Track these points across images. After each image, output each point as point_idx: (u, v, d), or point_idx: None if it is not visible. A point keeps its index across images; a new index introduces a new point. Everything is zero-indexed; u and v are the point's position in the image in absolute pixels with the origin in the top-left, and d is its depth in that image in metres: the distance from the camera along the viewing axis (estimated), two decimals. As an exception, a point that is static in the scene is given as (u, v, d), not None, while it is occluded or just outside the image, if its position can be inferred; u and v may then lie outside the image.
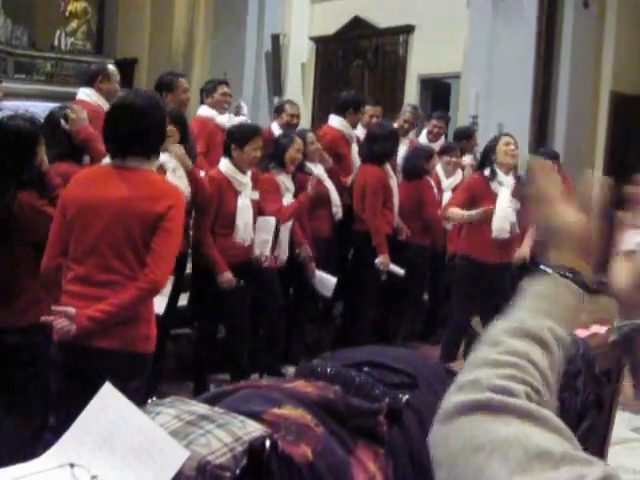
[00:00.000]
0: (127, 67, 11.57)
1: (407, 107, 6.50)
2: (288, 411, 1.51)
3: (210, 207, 4.17)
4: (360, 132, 5.65)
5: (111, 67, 4.52)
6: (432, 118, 6.55)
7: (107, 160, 2.70)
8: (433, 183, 5.46)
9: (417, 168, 5.34)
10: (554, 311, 0.81)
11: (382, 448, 1.57)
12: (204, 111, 5.18)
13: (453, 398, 0.74)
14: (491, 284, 4.62)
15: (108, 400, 1.44)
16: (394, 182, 5.13)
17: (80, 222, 2.58)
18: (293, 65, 11.04)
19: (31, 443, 2.87)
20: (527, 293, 0.84)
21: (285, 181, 4.63)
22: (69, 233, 2.60)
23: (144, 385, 2.62)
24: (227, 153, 4.25)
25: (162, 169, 3.82)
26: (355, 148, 5.48)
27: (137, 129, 2.56)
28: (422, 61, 9.76)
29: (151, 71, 11.43)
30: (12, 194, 2.74)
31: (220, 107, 5.13)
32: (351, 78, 10.45)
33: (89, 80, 4.33)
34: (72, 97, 8.92)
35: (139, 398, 2.50)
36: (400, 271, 5.07)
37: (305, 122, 10.63)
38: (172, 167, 3.98)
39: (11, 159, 2.77)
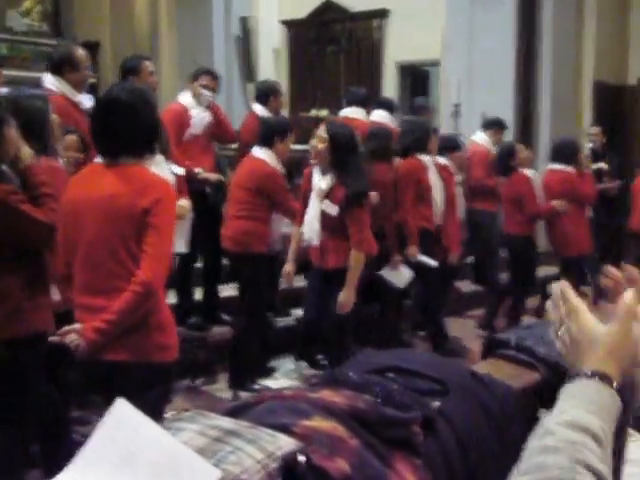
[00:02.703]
0: (89, 51, 11.27)
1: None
2: (318, 423, 1.44)
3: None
4: None
5: (79, 53, 4.12)
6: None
7: (98, 159, 2.58)
8: (531, 175, 5.71)
9: (504, 164, 5.62)
10: (599, 413, 0.90)
11: (419, 459, 1.52)
12: (183, 98, 4.96)
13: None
14: None
15: (123, 417, 1.34)
16: (434, 175, 5.18)
17: (75, 226, 2.49)
18: (265, 50, 10.89)
19: (23, 459, 2.77)
20: (572, 393, 0.93)
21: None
22: (68, 239, 2.53)
23: (167, 394, 2.55)
24: (268, 144, 4.43)
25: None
26: None
27: (125, 128, 2.46)
28: (399, 47, 9.73)
29: (116, 55, 11.13)
30: None
31: (198, 98, 4.93)
32: (326, 64, 10.38)
33: (54, 68, 4.03)
34: (31, 81, 8.65)
35: (161, 407, 2.45)
36: (432, 263, 5.16)
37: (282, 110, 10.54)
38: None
39: None
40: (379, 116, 5.88)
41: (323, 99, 9.97)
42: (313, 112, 10.12)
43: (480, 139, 6.40)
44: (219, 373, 4.79)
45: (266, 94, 5.42)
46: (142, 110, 2.51)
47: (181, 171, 4.33)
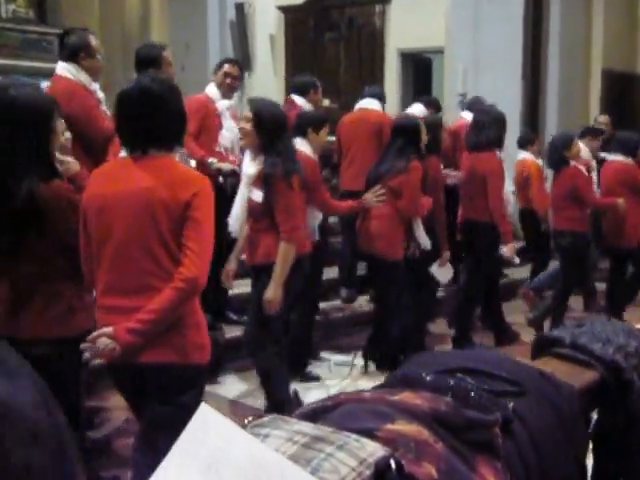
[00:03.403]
0: (75, 38, 11.13)
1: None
2: (402, 426, 1.44)
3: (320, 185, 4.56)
4: None
5: (93, 40, 4.13)
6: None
7: (123, 153, 2.56)
8: (582, 168, 5.68)
9: (559, 156, 5.61)
10: None
11: (499, 462, 1.52)
12: (209, 90, 5.02)
13: None
14: None
15: (207, 421, 1.33)
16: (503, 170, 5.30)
17: (102, 223, 2.44)
18: (261, 37, 10.85)
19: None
20: None
21: None
22: (92, 238, 2.48)
23: (200, 398, 2.54)
24: (302, 134, 4.49)
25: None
26: None
27: (158, 120, 2.44)
28: (401, 34, 9.70)
29: (104, 43, 11.01)
30: (35, 180, 2.50)
31: (223, 88, 4.95)
32: (325, 52, 10.34)
33: (70, 55, 4.03)
34: (20, 70, 8.51)
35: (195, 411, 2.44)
36: (517, 260, 5.33)
37: (278, 99, 10.48)
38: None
39: (28, 135, 2.52)
40: (418, 110, 6.05)
41: (324, 88, 9.93)
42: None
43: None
44: (231, 373, 4.79)
45: (306, 87, 5.60)
46: (173, 101, 2.50)
47: (193, 163, 4.32)
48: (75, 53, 4.01)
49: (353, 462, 1.29)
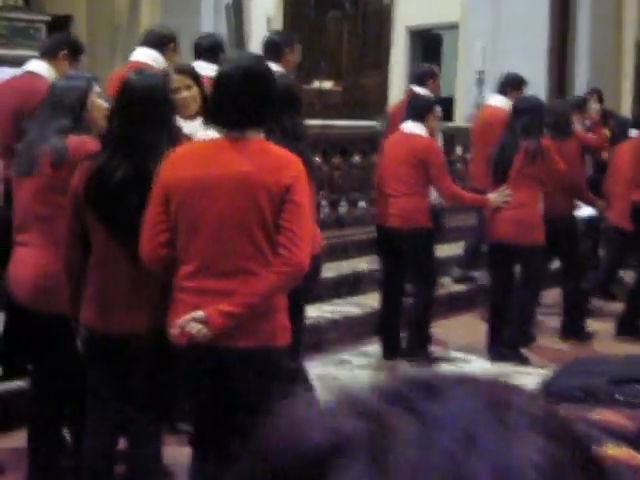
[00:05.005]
0: (60, 26, 10.91)
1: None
2: (612, 451, 1.28)
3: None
4: None
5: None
6: None
7: (211, 133, 2.59)
8: None
9: None
10: None
11: None
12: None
13: None
14: None
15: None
16: None
17: (194, 205, 2.47)
18: (257, 19, 10.68)
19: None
20: None
21: None
22: (176, 221, 2.49)
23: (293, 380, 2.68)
24: (422, 119, 4.70)
25: (189, 139, 3.68)
26: None
27: (261, 100, 2.52)
28: (410, 10, 9.53)
29: (91, 30, 10.79)
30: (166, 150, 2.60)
31: (288, 70, 4.83)
32: (327, 32, 10.17)
33: (156, 43, 4.37)
34: (6, 59, 8.25)
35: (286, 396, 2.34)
36: None
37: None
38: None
39: (163, 114, 2.74)
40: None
41: (323, 70, 9.79)
42: (316, 84, 9.94)
43: None
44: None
45: (424, 76, 5.87)
46: (272, 81, 2.59)
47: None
48: (162, 43, 4.34)
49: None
